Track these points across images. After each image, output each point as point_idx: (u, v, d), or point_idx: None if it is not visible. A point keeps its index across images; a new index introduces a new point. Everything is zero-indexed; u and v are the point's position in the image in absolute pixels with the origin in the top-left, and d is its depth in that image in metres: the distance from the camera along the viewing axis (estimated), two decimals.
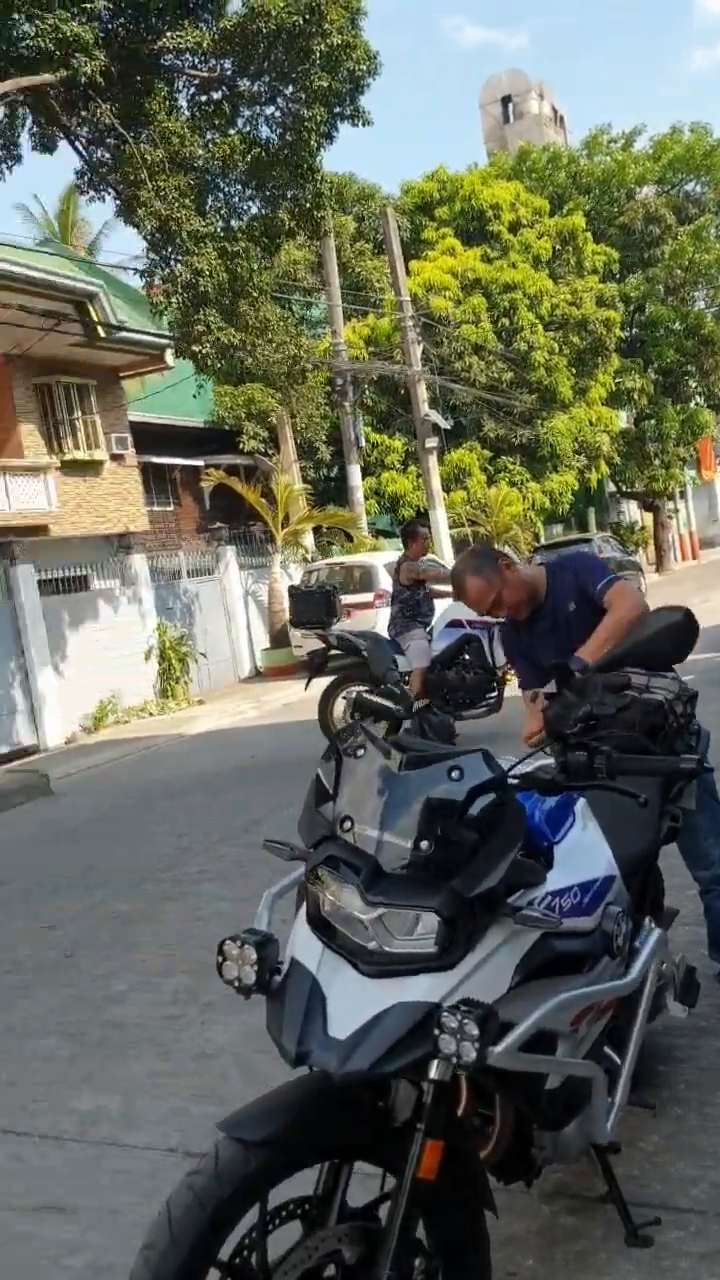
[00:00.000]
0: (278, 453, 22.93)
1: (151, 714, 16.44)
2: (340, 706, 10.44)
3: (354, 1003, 1.98)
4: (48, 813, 10.22)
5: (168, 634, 17.65)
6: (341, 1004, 1.99)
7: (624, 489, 35.59)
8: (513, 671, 9.85)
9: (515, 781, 2.29)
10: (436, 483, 23.26)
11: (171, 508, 23.89)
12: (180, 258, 13.55)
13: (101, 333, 17.26)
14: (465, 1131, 2.22)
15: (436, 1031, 1.87)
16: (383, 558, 17.86)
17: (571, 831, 2.48)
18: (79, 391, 18.59)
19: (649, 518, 36.22)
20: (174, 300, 13.82)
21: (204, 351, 13.91)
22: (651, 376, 32.16)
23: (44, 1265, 3.12)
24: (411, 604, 10.00)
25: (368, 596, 17.09)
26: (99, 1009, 4.95)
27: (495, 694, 9.55)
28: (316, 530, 22.16)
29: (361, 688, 10.23)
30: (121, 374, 19.82)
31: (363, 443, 23.08)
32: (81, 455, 18.30)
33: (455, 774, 2.02)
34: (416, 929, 1.98)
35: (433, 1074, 1.95)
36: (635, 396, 31.34)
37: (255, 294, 14.45)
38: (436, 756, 2.12)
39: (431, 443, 22.84)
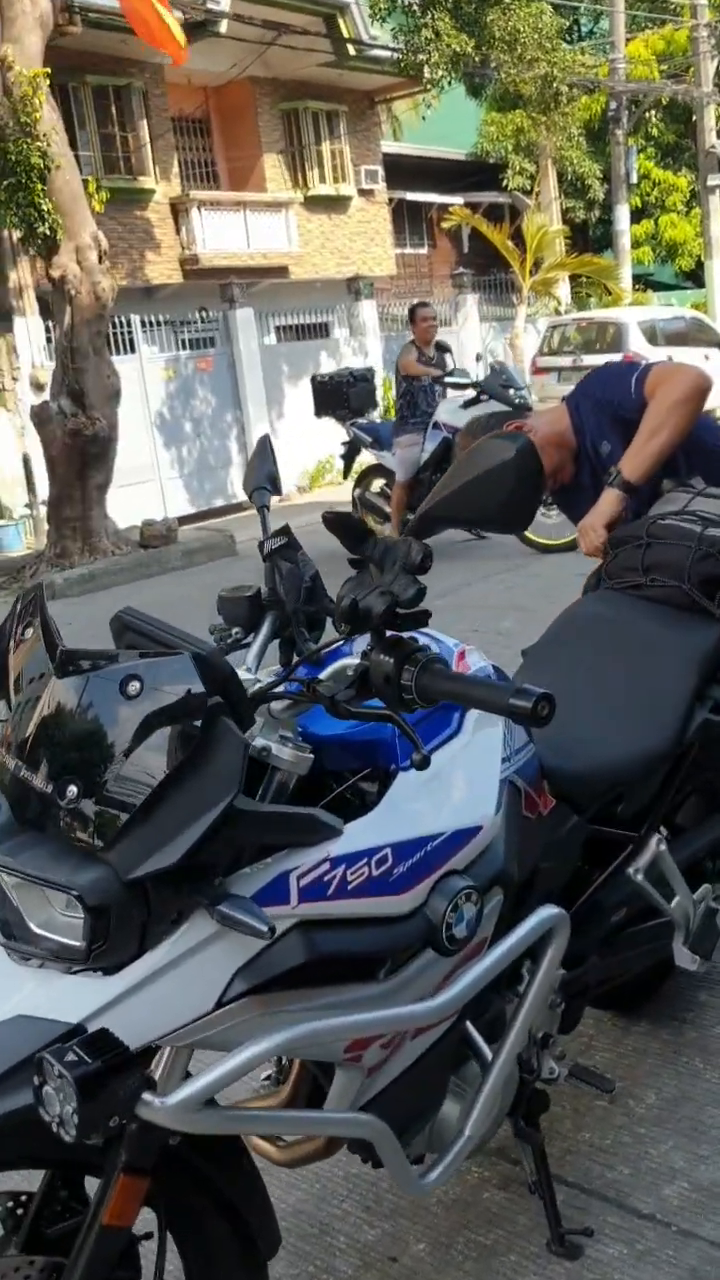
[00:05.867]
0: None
1: None
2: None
3: None
4: (219, 574, 9.96)
5: (393, 392, 16.64)
6: None
7: None
8: None
9: (293, 691, 1.51)
10: (718, 228, 20.58)
11: (425, 250, 22.37)
12: None
13: (351, 50, 15.73)
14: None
15: (37, 1081, 1.25)
16: (638, 314, 16.02)
17: (448, 747, 1.62)
18: (327, 118, 17.25)
19: None
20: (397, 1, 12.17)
21: (430, 61, 12.24)
22: None
23: None
24: (410, 400, 8.55)
25: (615, 358, 15.48)
26: None
27: None
28: (575, 280, 20.18)
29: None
30: (377, 99, 18.22)
31: (634, 178, 20.50)
32: (327, 189, 17.18)
33: (133, 687, 1.29)
34: (66, 909, 1.31)
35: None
36: None
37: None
38: (116, 655, 1.36)
39: (715, 180, 20.04)
